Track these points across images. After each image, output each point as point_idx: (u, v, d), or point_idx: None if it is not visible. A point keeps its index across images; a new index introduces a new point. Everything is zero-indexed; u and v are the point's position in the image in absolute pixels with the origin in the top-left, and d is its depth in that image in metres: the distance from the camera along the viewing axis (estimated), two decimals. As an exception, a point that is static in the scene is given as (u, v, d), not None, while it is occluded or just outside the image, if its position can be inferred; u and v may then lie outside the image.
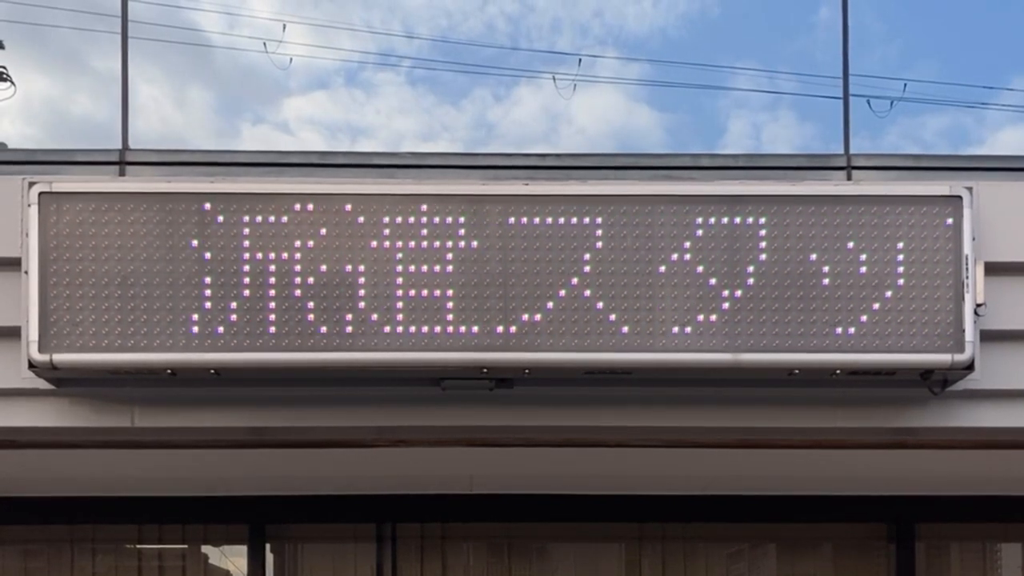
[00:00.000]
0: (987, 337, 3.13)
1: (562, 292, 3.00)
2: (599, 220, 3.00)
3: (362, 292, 2.98)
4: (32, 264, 2.96)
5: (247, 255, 2.97)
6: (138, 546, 5.03)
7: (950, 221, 3.00)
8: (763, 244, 3.01)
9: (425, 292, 2.99)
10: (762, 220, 3.00)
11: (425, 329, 2.99)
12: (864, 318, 3.01)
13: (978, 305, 3.00)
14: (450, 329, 2.99)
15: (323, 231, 2.98)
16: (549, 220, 2.99)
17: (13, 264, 3.05)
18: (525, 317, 3.00)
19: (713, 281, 3.00)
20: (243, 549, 4.94)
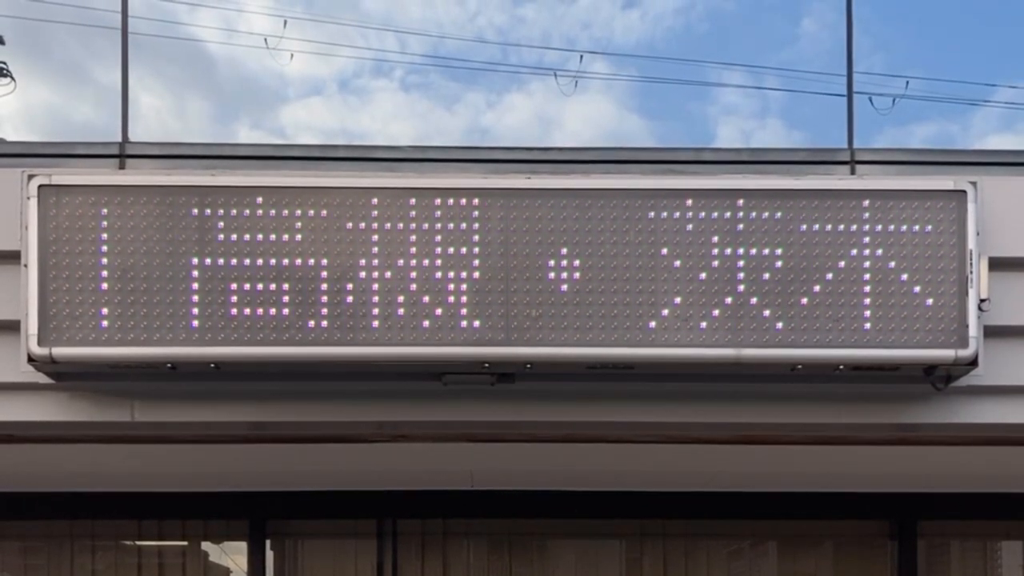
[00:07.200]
0: (991, 333, 3.11)
1: (564, 287, 2.99)
2: (601, 214, 2.99)
3: (363, 286, 2.97)
4: (31, 257, 2.95)
5: (248, 248, 2.96)
6: (138, 542, 5.02)
7: (954, 216, 2.99)
8: (765, 239, 2.99)
9: (427, 286, 2.98)
10: (765, 215, 2.99)
11: (426, 323, 2.98)
12: (867, 313, 3.00)
13: (982, 300, 2.99)
14: (451, 323, 2.98)
15: (323, 224, 2.97)
16: (551, 214, 2.98)
17: (12, 257, 3.03)
18: (527, 311, 2.98)
19: (715, 276, 2.99)
20: (243, 545, 4.93)
